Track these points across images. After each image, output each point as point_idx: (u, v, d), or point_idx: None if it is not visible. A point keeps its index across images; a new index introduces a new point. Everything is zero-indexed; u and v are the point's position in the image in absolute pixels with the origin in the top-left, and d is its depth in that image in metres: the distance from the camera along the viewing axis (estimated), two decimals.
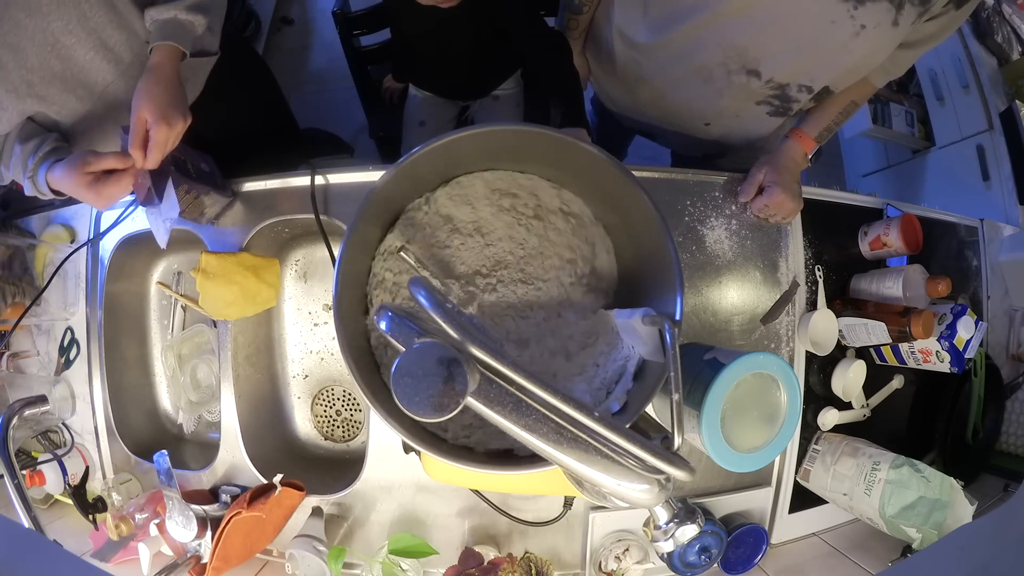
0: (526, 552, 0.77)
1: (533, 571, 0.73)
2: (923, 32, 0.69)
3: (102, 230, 0.89)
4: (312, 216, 0.78)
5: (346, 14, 1.28)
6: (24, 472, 0.84)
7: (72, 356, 0.92)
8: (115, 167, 0.66)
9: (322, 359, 0.93)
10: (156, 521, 0.79)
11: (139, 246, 0.92)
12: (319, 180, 0.80)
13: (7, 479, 0.74)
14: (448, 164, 0.63)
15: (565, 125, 0.86)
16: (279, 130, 1.23)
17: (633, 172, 0.56)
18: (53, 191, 0.70)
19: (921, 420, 0.94)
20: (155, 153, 0.66)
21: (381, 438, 0.79)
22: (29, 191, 0.73)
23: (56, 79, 0.69)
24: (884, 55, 0.71)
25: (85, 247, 0.88)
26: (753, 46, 0.72)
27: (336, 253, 0.60)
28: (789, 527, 0.87)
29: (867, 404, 0.88)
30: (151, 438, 0.93)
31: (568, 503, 0.78)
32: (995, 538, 0.43)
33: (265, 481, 0.80)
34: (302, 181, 0.81)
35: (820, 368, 0.86)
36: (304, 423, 0.94)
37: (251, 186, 0.83)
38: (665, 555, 0.75)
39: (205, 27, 0.72)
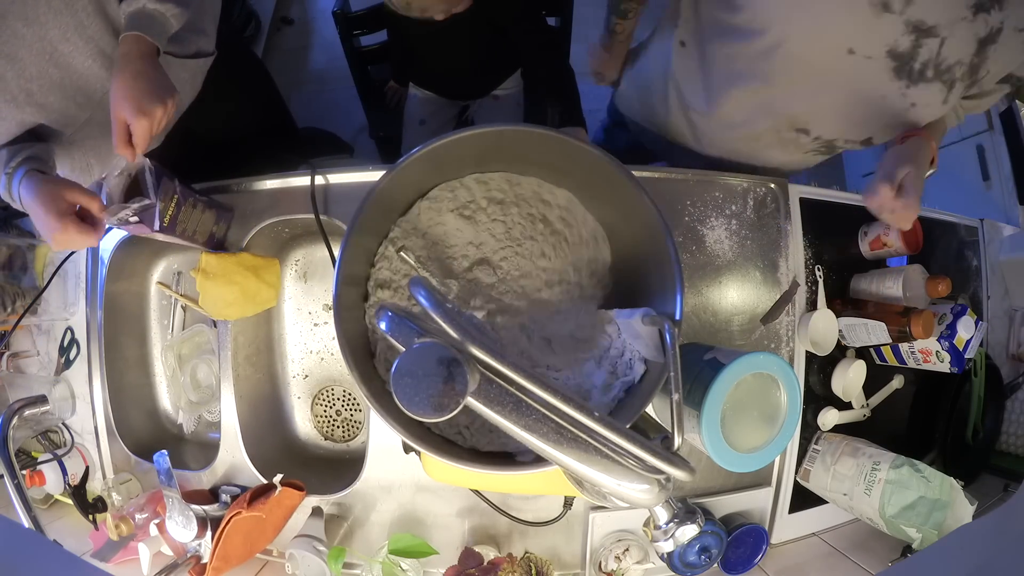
0: (526, 552, 0.77)
1: (533, 571, 0.73)
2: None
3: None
4: (312, 216, 0.78)
5: (346, 14, 1.29)
6: (24, 472, 0.84)
7: (72, 356, 0.92)
8: (92, 211, 0.64)
9: (322, 359, 0.94)
10: (156, 521, 0.79)
11: (139, 246, 0.92)
12: (319, 180, 0.80)
13: (7, 479, 0.73)
14: (448, 164, 0.63)
15: (563, 124, 0.86)
16: (277, 130, 1.23)
17: (633, 172, 0.56)
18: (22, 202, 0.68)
19: (921, 420, 0.94)
20: (141, 145, 0.65)
21: (381, 438, 0.79)
22: (2, 193, 0.70)
23: (55, 87, 0.69)
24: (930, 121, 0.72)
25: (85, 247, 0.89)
26: (804, 113, 0.74)
27: (336, 253, 0.60)
28: (789, 527, 0.87)
29: (867, 404, 0.88)
30: (151, 438, 0.93)
31: (568, 503, 0.78)
32: (995, 538, 0.43)
33: (265, 481, 0.80)
34: (302, 181, 0.80)
35: (820, 368, 0.86)
36: (304, 423, 0.94)
37: (251, 186, 0.83)
38: (665, 555, 0.75)
39: (179, 17, 0.71)
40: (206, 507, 0.76)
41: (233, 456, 0.83)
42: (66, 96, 0.71)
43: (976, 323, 0.81)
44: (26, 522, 0.72)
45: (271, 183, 0.83)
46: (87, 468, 0.88)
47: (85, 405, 0.89)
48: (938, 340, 0.80)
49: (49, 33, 0.64)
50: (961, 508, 0.74)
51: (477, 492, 0.78)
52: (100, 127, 0.78)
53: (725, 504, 0.83)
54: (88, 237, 0.64)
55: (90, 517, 0.82)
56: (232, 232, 0.83)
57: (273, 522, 0.76)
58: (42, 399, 0.85)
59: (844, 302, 0.87)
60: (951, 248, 0.98)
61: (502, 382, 0.38)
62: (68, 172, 0.80)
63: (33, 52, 0.65)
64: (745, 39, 0.68)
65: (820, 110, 0.73)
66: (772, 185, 0.84)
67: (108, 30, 0.70)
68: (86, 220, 0.64)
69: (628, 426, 0.41)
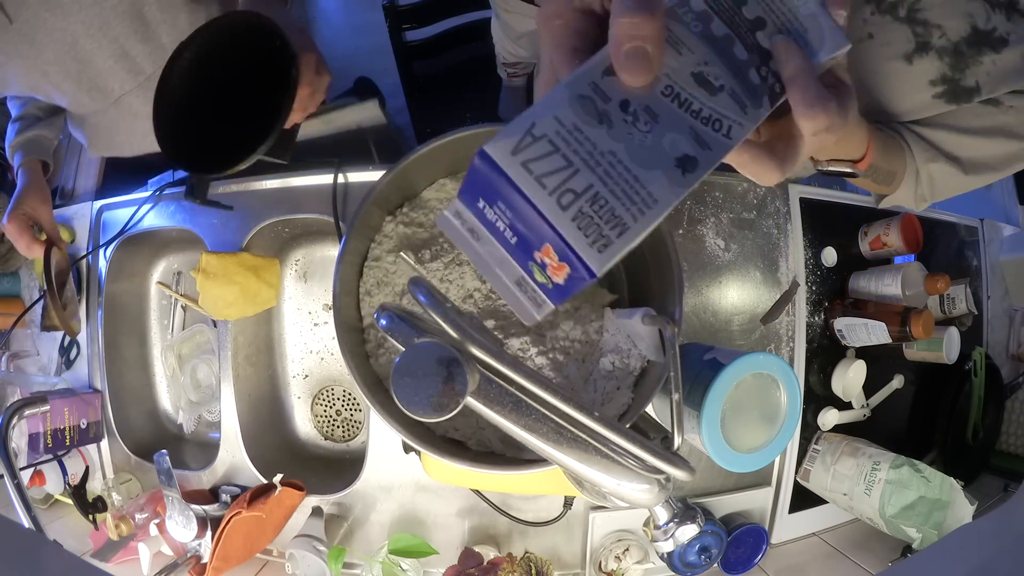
0: (526, 552, 0.77)
1: (533, 571, 0.73)
2: None
3: (107, 236, 0.89)
4: (312, 216, 0.79)
5: (396, 7, 1.23)
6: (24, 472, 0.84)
7: (72, 356, 0.92)
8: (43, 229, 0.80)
9: (322, 359, 0.93)
10: (156, 521, 0.79)
11: (139, 246, 0.92)
12: (322, 180, 0.80)
13: (7, 479, 0.73)
14: (449, 162, 0.63)
15: None
16: None
17: None
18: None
19: (921, 420, 0.94)
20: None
21: (381, 438, 0.79)
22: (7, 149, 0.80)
23: (70, 78, 0.69)
24: None
25: (85, 258, 0.89)
26: None
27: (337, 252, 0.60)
28: (789, 527, 0.87)
29: (867, 404, 0.88)
30: (151, 438, 0.93)
31: (568, 503, 0.78)
32: (995, 538, 0.43)
33: (265, 481, 0.79)
34: (302, 181, 0.81)
35: (820, 368, 0.86)
36: (304, 423, 0.94)
37: (251, 186, 0.83)
38: (665, 555, 0.75)
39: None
40: (206, 507, 0.76)
41: (233, 456, 0.83)
42: (80, 88, 0.71)
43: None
44: (26, 522, 0.72)
45: (271, 183, 0.83)
46: (87, 468, 0.88)
47: None
48: None
49: (72, 26, 0.64)
50: (961, 508, 0.74)
51: (477, 492, 0.78)
52: (112, 121, 0.80)
53: (725, 504, 0.83)
54: (23, 250, 0.78)
55: (90, 517, 0.82)
56: (233, 232, 0.83)
57: (273, 522, 0.76)
58: (42, 399, 0.85)
59: (844, 302, 0.87)
60: (951, 248, 0.98)
61: (502, 382, 0.38)
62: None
63: (53, 39, 0.64)
64: None
65: None
66: (772, 185, 0.84)
67: (137, 34, 0.69)
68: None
69: (628, 426, 0.41)
